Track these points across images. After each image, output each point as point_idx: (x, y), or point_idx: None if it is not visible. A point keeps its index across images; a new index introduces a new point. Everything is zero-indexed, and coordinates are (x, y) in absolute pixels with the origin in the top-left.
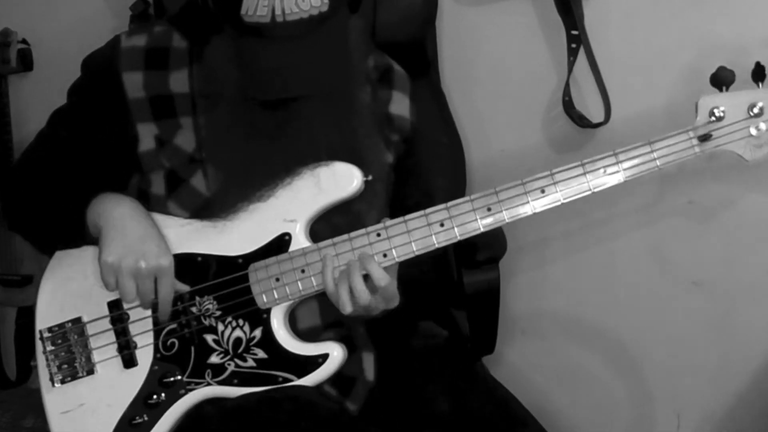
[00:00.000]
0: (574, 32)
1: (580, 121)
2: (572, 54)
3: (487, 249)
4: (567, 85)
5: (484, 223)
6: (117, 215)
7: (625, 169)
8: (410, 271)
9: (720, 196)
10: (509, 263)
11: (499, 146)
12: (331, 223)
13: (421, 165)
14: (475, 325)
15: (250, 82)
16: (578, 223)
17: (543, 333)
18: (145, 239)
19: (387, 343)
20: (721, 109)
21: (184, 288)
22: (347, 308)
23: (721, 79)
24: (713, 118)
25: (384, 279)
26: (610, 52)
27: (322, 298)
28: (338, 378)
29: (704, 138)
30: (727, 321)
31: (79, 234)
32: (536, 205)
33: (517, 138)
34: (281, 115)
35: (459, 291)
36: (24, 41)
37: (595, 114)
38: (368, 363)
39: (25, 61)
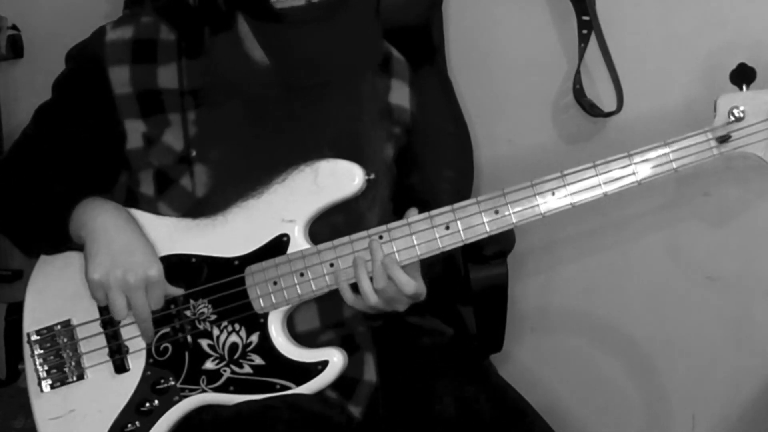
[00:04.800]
0: (585, 18)
1: (591, 109)
2: (583, 40)
3: (495, 243)
4: (578, 72)
5: (491, 227)
6: (99, 226)
7: (639, 171)
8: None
9: (736, 188)
10: (518, 258)
11: (507, 136)
12: (329, 222)
13: (426, 155)
14: (483, 323)
15: (284, 69)
16: (589, 217)
17: (553, 330)
18: (130, 250)
19: (390, 343)
20: (741, 108)
21: (178, 292)
22: (372, 299)
23: (742, 76)
24: (732, 118)
25: (409, 286)
26: (623, 38)
27: (321, 300)
28: (340, 380)
29: (723, 139)
30: (743, 318)
31: (63, 242)
32: (546, 208)
33: (525, 127)
34: (297, 104)
35: (465, 287)
36: (14, 27)
37: (607, 103)
38: (370, 363)
39: (15, 48)
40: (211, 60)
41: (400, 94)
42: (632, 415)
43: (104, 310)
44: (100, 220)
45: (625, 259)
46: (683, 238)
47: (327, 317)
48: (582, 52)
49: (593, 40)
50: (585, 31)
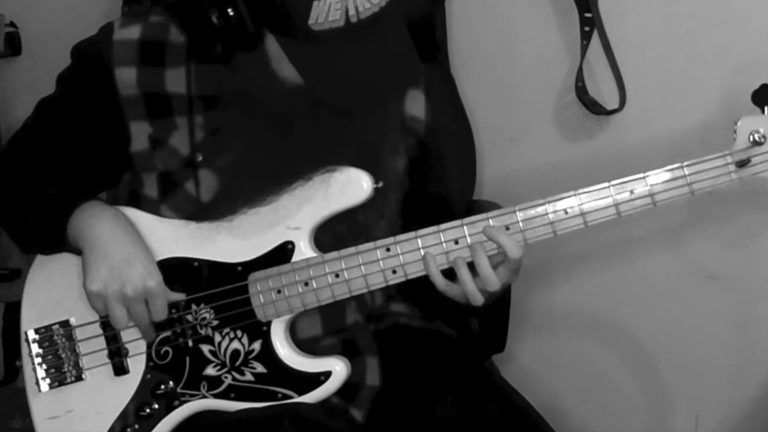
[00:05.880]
0: (588, 15)
1: (593, 107)
2: (585, 37)
3: None
4: (580, 70)
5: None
6: (97, 235)
7: (655, 193)
8: None
9: (739, 186)
10: None
11: (509, 134)
12: (333, 231)
13: (437, 159)
14: (485, 323)
15: (320, 90)
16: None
17: (555, 330)
18: (129, 261)
19: (393, 346)
20: (762, 132)
21: (179, 297)
22: (478, 300)
23: (764, 98)
24: (752, 141)
25: (495, 284)
26: (625, 35)
27: (324, 307)
28: (342, 385)
29: (742, 164)
30: (746, 317)
31: (59, 245)
32: (559, 227)
33: (528, 125)
34: (321, 120)
35: None
36: (12, 24)
37: (609, 101)
38: (372, 367)
39: (13, 45)
40: (233, 74)
41: (415, 104)
42: (635, 415)
43: None
44: (98, 228)
45: (627, 258)
46: (686, 237)
47: (329, 324)
48: (584, 49)
49: (596, 38)
50: (587, 28)
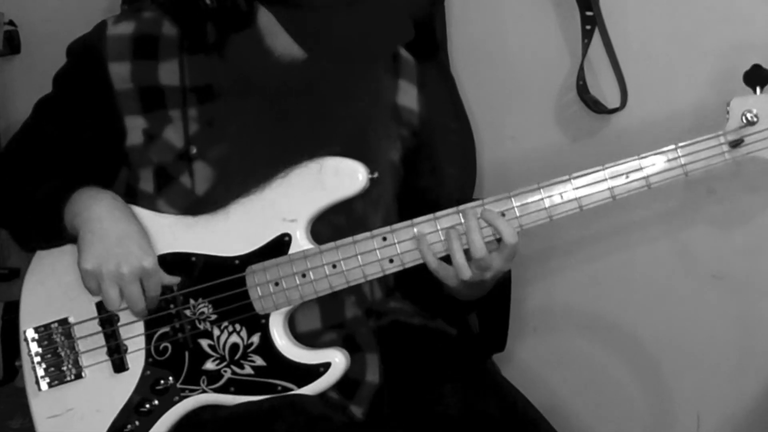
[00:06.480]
0: (589, 13)
1: (594, 106)
2: (587, 36)
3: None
4: (581, 68)
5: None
6: (93, 216)
7: (649, 175)
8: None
9: (741, 185)
10: (520, 257)
11: (509, 133)
12: (331, 222)
13: (431, 153)
14: (486, 322)
15: (316, 53)
16: (592, 215)
17: (556, 330)
18: (124, 240)
19: (393, 343)
20: (755, 112)
21: (174, 280)
22: (466, 273)
23: (756, 78)
24: (745, 122)
25: (481, 250)
26: (627, 34)
27: (323, 301)
28: (341, 381)
29: (736, 143)
30: (748, 316)
31: (58, 233)
32: (554, 212)
33: (528, 124)
34: (313, 100)
35: None
36: (11, 23)
37: (611, 99)
38: (372, 364)
39: (12, 44)
40: (226, 58)
41: (407, 96)
42: (636, 415)
43: (102, 309)
44: (95, 209)
45: (629, 257)
46: (688, 236)
47: (328, 318)
48: (585, 48)
49: (597, 36)
50: (588, 27)
